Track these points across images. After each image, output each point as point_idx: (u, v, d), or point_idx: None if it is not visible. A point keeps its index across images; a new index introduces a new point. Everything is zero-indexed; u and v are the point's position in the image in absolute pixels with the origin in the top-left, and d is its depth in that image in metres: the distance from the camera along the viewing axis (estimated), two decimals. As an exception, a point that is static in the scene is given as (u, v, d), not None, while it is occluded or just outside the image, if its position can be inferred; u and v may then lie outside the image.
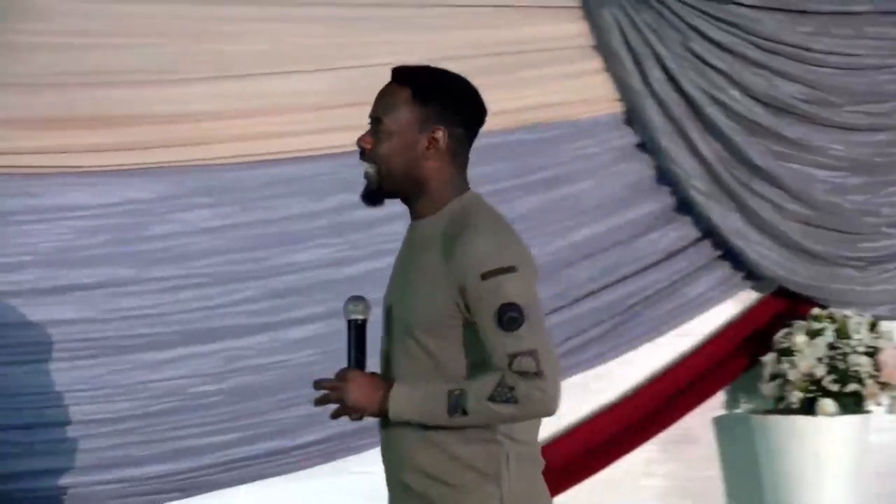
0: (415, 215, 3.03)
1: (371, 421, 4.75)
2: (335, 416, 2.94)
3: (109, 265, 4.74)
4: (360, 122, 4.80)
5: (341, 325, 4.76)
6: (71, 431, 4.71)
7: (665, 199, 5.25)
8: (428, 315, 2.93)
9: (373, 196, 3.05)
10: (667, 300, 5.22)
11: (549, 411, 2.88)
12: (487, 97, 3.11)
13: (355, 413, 2.93)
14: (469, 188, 3.03)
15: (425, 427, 2.89)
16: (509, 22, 4.92)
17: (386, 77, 4.57)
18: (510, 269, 2.87)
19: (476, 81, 4.66)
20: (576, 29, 5.05)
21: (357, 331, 3.07)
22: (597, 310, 5.15)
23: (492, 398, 2.83)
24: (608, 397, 5.21)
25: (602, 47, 5.06)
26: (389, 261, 4.83)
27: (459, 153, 3.05)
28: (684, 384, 5.23)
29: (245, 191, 4.82)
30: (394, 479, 3.00)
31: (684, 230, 5.25)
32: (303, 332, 4.85)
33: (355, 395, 2.92)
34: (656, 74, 5.08)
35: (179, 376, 4.77)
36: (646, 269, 5.21)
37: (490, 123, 4.62)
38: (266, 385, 4.82)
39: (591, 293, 5.15)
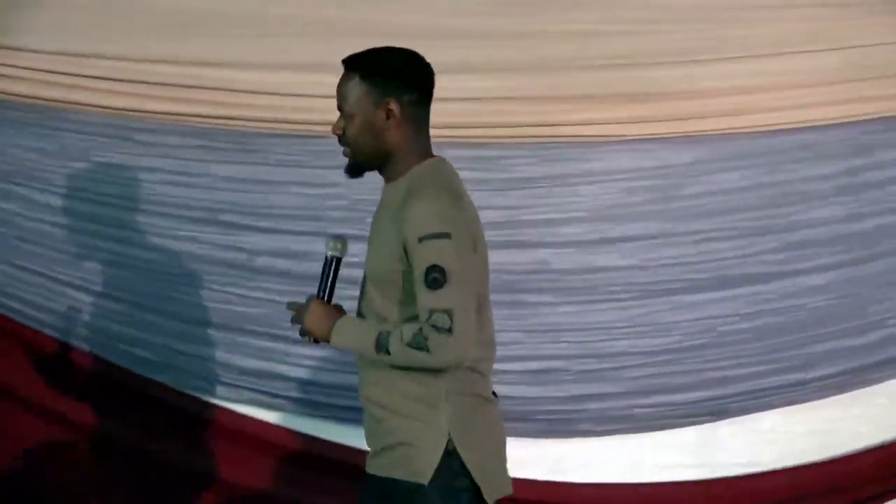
0: (386, 179, 3.33)
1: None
2: (300, 335, 3.34)
3: (650, 220, 5.23)
4: (868, 94, 5.31)
5: (854, 274, 5.30)
6: (607, 363, 5.26)
7: None
8: (378, 267, 3.26)
9: (352, 170, 3.37)
10: None
11: (456, 363, 3.15)
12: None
13: (307, 336, 3.32)
14: (432, 154, 3.32)
15: (379, 367, 3.23)
16: None
17: (888, 55, 5.02)
18: (444, 235, 3.14)
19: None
20: None
21: (329, 265, 3.39)
22: None
23: (409, 344, 3.13)
24: None
25: None
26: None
27: (417, 118, 3.30)
28: None
29: (768, 155, 5.23)
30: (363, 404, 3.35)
31: None
32: (819, 279, 5.26)
33: (309, 321, 3.30)
34: None
35: (710, 316, 5.23)
36: None
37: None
38: (786, 325, 5.25)
39: None
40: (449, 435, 3.23)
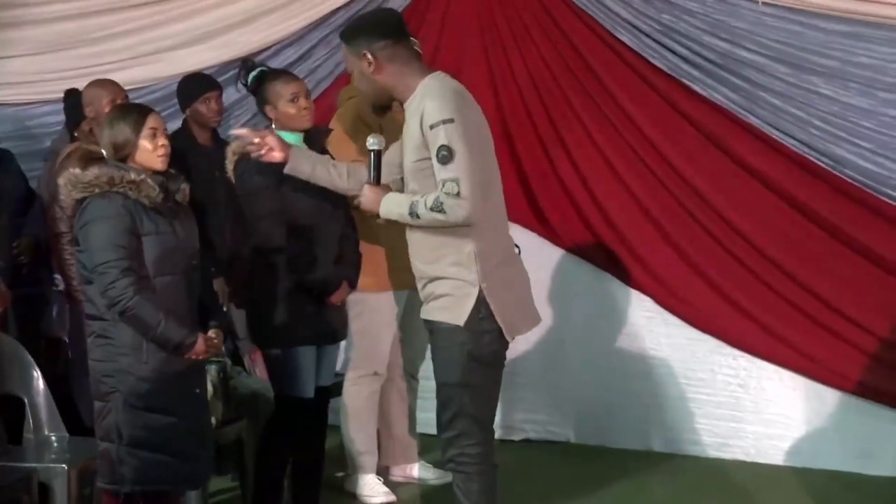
0: (403, 102, 4.22)
1: None
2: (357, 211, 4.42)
3: None
4: None
5: None
6: None
7: None
8: (409, 159, 4.14)
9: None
10: None
11: (467, 221, 4.03)
12: None
13: (366, 213, 4.31)
14: (429, 72, 4.22)
15: (424, 239, 4.14)
16: None
17: None
18: (448, 121, 4.02)
19: None
20: None
21: (374, 157, 4.30)
22: None
23: (430, 208, 4.03)
24: None
25: None
26: None
27: (398, 56, 4.22)
28: None
29: None
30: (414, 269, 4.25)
31: None
32: None
33: (364, 201, 4.27)
34: None
35: None
36: None
37: None
38: None
39: None
40: (480, 287, 4.11)
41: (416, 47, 5.31)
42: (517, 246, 4.37)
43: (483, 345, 4.15)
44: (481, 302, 4.11)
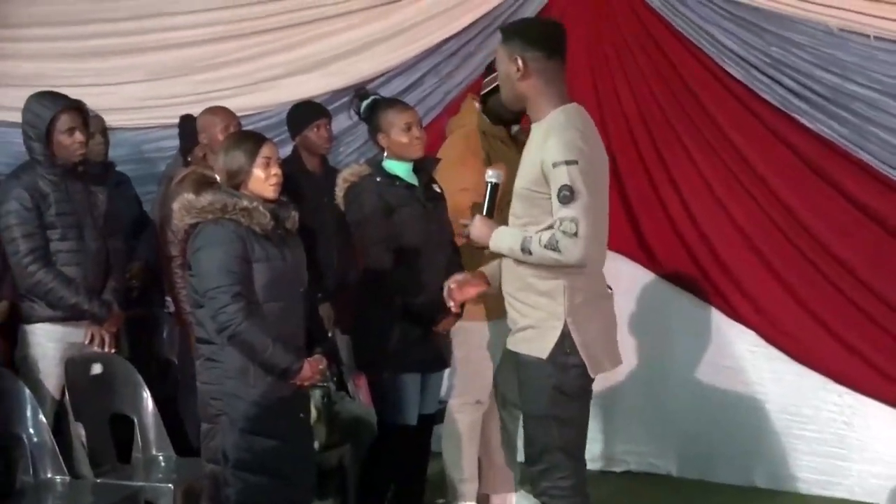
0: (532, 120, 4.13)
1: None
2: (466, 241, 4.30)
3: None
4: None
5: None
6: None
7: None
8: (521, 185, 4.09)
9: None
10: None
11: (580, 263, 3.96)
12: None
13: (475, 243, 4.24)
14: (567, 101, 4.11)
15: (517, 268, 4.06)
16: None
17: None
18: (572, 162, 3.94)
19: None
20: None
21: (491, 189, 4.26)
22: None
23: (545, 246, 3.96)
24: None
25: None
26: None
27: (546, 72, 4.11)
28: None
29: None
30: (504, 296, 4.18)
31: None
32: None
33: (475, 232, 4.22)
34: None
35: None
36: None
37: None
38: None
39: None
40: (565, 321, 4.05)
41: None
42: (609, 287, 4.30)
43: (569, 379, 4.10)
44: (566, 336, 4.06)
